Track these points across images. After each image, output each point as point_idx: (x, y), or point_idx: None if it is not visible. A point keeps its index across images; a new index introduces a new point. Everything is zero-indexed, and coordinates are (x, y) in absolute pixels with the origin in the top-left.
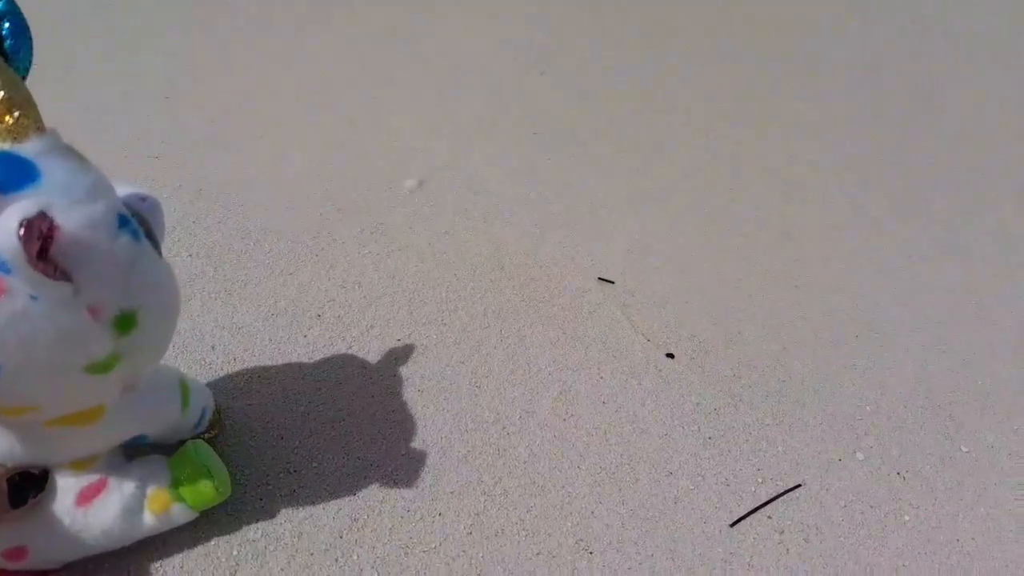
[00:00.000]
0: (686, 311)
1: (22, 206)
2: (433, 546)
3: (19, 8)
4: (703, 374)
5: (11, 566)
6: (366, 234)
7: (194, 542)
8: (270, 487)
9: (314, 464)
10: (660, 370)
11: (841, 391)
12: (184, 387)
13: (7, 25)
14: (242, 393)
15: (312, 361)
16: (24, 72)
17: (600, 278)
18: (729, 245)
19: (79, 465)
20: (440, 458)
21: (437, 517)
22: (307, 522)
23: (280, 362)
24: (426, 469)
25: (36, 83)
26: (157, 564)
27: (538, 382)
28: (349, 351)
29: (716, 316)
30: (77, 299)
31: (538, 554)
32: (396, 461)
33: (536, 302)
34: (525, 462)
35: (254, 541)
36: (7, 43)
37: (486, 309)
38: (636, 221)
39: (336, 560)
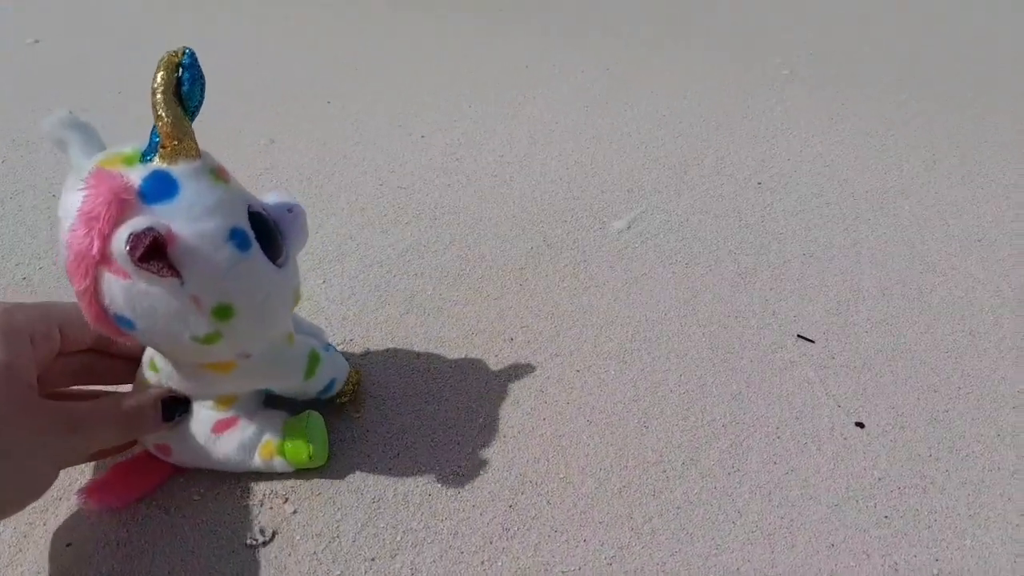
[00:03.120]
0: (889, 380)
1: (135, 222)
2: (573, 569)
3: (198, 62)
4: (894, 449)
5: (160, 456)
6: (568, 269)
7: (364, 524)
8: (437, 485)
9: (479, 471)
10: (845, 438)
11: None
12: (313, 360)
13: (186, 75)
14: (433, 399)
15: (496, 379)
16: (193, 111)
17: (800, 336)
18: (948, 311)
19: (222, 402)
20: (595, 488)
21: (582, 543)
22: (463, 523)
23: (469, 377)
24: (580, 496)
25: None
26: (335, 535)
27: (709, 432)
28: (531, 375)
29: (924, 390)
30: (183, 289)
31: None
32: (553, 483)
33: (724, 352)
34: (679, 507)
35: (416, 531)
36: (184, 87)
37: (669, 352)
38: (847, 279)
39: (483, 563)
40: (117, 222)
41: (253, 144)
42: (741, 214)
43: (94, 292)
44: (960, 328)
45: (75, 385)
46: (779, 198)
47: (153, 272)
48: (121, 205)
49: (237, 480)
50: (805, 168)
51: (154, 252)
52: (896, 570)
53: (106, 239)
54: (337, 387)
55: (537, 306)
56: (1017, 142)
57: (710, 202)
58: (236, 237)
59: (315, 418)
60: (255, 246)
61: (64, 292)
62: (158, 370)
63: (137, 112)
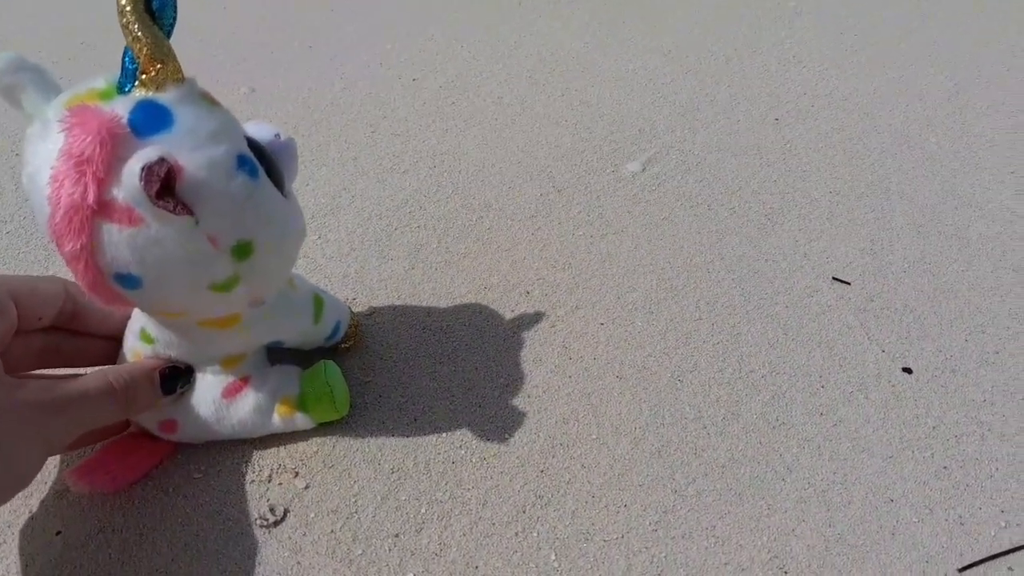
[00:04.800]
0: (933, 322)
1: (144, 153)
2: (615, 537)
3: None
4: (946, 395)
5: (165, 436)
6: (582, 215)
7: (385, 497)
8: (461, 451)
9: (505, 435)
10: (893, 385)
11: None
12: (317, 303)
13: None
14: (448, 359)
15: (514, 336)
16: (168, 30)
17: (835, 278)
18: (987, 247)
19: (228, 363)
20: (631, 449)
21: (623, 508)
22: (492, 492)
23: (486, 335)
24: (616, 458)
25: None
26: (353, 511)
27: (748, 384)
28: (552, 330)
29: (971, 331)
30: (198, 229)
31: (726, 564)
32: (586, 445)
33: (757, 298)
34: (723, 466)
35: (441, 502)
36: (154, 3)
37: (699, 300)
38: (878, 217)
39: (516, 534)
40: (113, 162)
41: (233, 93)
42: (761, 152)
43: (91, 251)
44: (1002, 264)
45: (40, 368)
46: (799, 134)
47: (169, 210)
48: (115, 142)
49: (241, 455)
50: (822, 102)
51: (168, 187)
52: (962, 523)
53: (102, 183)
54: (343, 330)
55: (552, 256)
56: None
57: (727, 140)
58: (245, 165)
59: (332, 366)
60: (263, 174)
61: (33, 259)
62: (152, 340)
63: (107, 62)
